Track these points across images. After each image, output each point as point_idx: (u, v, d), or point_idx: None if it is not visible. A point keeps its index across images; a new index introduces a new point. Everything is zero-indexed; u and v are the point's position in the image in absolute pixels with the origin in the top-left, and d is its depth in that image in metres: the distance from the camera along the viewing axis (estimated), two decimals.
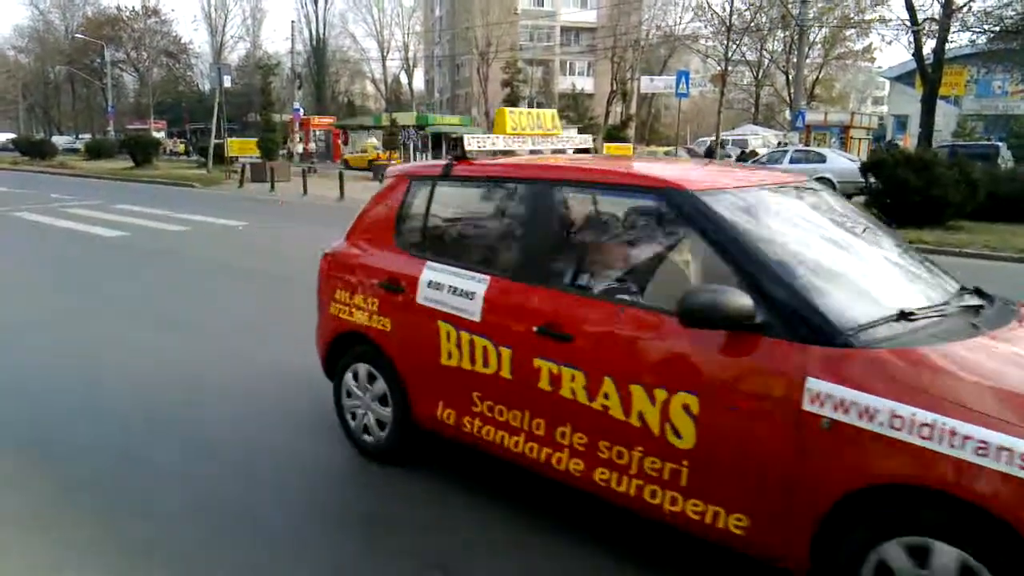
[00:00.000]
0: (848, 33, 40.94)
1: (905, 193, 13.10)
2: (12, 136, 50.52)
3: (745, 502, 2.45)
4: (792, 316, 2.36)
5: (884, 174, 13.78)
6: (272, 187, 21.83)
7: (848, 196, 7.32)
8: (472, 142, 3.60)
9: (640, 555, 2.97)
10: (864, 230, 3.12)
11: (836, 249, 2.93)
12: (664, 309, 2.63)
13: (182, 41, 63.32)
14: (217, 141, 29.69)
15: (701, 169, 3.46)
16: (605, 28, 53.13)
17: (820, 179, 8.23)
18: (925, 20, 20.46)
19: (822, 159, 21.74)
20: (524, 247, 3.19)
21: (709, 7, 36.56)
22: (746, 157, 27.08)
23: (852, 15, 34.49)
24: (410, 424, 3.60)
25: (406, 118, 39.24)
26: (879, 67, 51.61)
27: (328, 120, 47.63)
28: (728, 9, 32.98)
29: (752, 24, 36.11)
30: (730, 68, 36.05)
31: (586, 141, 4.33)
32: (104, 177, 27.30)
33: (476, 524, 3.23)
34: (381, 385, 3.69)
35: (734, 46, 34.03)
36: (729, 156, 30.71)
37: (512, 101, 34.65)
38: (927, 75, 20.69)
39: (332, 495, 3.54)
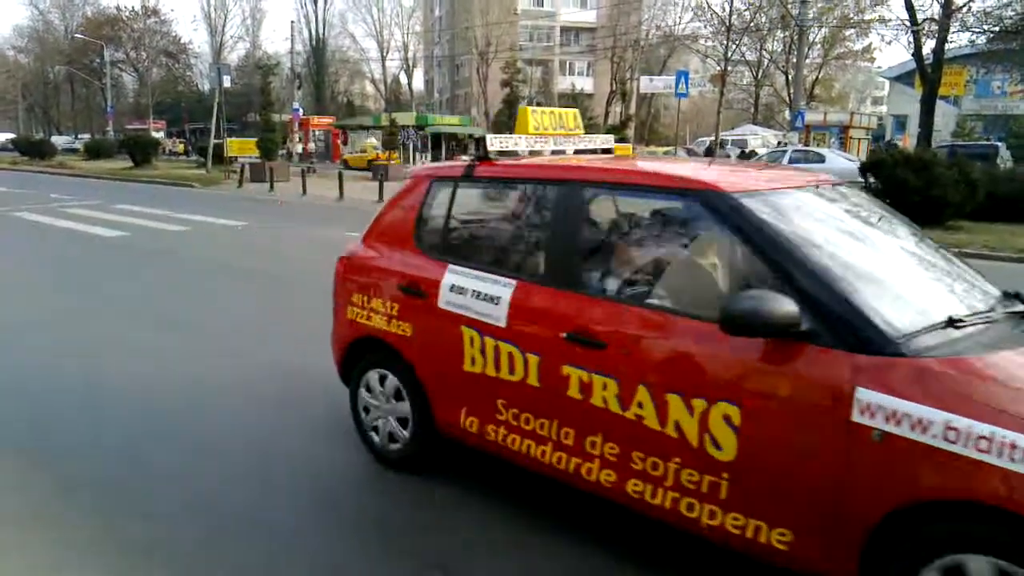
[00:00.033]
0: (848, 33, 40.97)
1: (904, 193, 13.09)
2: (11, 136, 50.49)
3: (788, 516, 2.36)
4: (839, 323, 2.27)
5: (883, 174, 13.79)
6: (271, 187, 21.82)
7: None
8: (495, 142, 3.51)
9: (640, 555, 2.97)
10: (901, 232, 3.04)
11: (877, 252, 2.86)
12: (701, 315, 2.56)
13: (181, 41, 63.47)
14: (216, 141, 29.71)
15: (732, 169, 3.33)
16: (605, 28, 53.15)
17: None
18: (925, 20, 20.46)
19: (821, 159, 21.76)
20: (552, 251, 3.10)
21: (709, 7, 36.58)
22: (747, 157, 27.09)
23: (852, 15, 34.48)
24: (430, 431, 3.51)
25: (406, 118, 39.21)
26: (878, 67, 51.68)
27: (327, 120, 47.62)
28: (728, 9, 33.01)
29: (752, 24, 36.12)
30: (729, 68, 36.05)
31: (608, 141, 4.22)
32: (103, 177, 27.30)
33: (476, 524, 3.23)
34: (400, 392, 3.61)
35: (734, 46, 34.04)
36: (728, 156, 30.70)
37: (511, 101, 34.71)
38: (926, 75, 20.69)
39: (331, 495, 3.53)
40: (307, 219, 15.35)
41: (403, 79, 68.24)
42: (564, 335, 2.84)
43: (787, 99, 35.46)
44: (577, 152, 3.90)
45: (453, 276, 3.31)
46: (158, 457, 3.87)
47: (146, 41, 58.14)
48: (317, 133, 45.84)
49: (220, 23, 60.93)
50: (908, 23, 20.85)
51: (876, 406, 2.14)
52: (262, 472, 3.73)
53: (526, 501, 3.40)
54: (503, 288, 3.11)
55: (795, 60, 27.27)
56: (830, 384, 2.23)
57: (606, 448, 2.80)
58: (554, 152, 3.81)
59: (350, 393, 3.94)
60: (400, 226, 3.71)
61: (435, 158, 38.78)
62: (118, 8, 59.23)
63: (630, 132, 35.08)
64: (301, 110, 42.84)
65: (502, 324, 3.06)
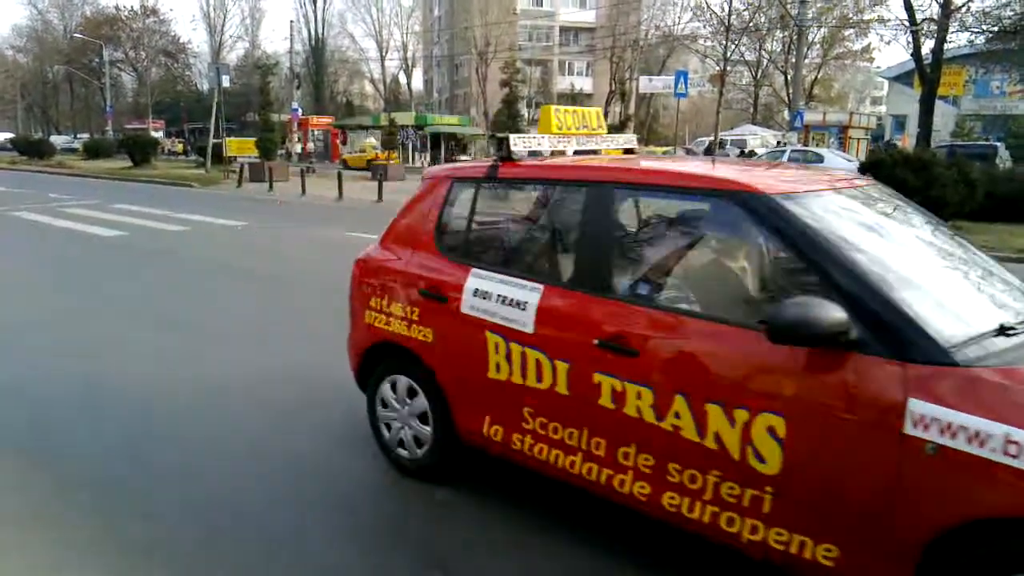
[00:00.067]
0: (847, 33, 41.01)
1: (903, 193, 12.73)
2: (10, 136, 50.46)
3: (836, 532, 2.27)
4: (890, 331, 2.18)
5: (882, 174, 13.76)
6: (270, 187, 21.83)
7: None
8: (517, 142, 3.40)
9: (640, 555, 2.98)
10: (940, 235, 2.97)
11: (921, 256, 2.79)
12: (740, 322, 2.49)
13: (180, 41, 63.46)
14: (215, 141, 29.72)
15: (764, 170, 3.21)
16: (604, 28, 53.15)
17: None
18: (924, 20, 20.46)
19: (820, 159, 21.80)
20: (581, 254, 3.00)
21: (708, 7, 36.55)
22: (746, 157, 27.11)
23: (851, 15, 34.51)
24: (451, 440, 3.42)
25: (405, 118, 39.25)
26: (877, 67, 51.66)
27: (327, 120, 47.63)
28: (727, 9, 33.02)
29: (751, 24, 36.13)
30: (729, 68, 36.05)
31: (631, 141, 4.10)
32: (102, 177, 27.29)
33: (476, 524, 3.23)
34: (420, 399, 3.51)
35: (733, 46, 34.04)
36: (727, 156, 30.72)
37: (511, 101, 34.65)
38: (925, 75, 20.70)
39: (330, 495, 3.53)
40: (306, 219, 15.35)
41: (402, 79, 68.32)
42: (595, 342, 2.75)
43: (786, 99, 35.52)
44: (577, 153, 3.79)
45: (476, 280, 3.21)
46: (158, 457, 3.87)
47: (145, 41, 58.18)
48: (316, 133, 45.84)
49: (219, 23, 60.99)
50: (907, 23, 20.84)
51: (930, 418, 2.06)
52: (262, 472, 3.72)
53: (526, 501, 3.40)
54: (529, 293, 3.01)
55: (794, 60, 27.29)
56: (881, 395, 2.15)
57: (640, 459, 2.70)
58: (575, 152, 3.71)
59: (367, 399, 3.85)
60: (419, 228, 3.60)
61: (434, 158, 38.80)
62: (117, 8, 59.34)
63: (629, 132, 35.05)
64: (300, 110, 42.85)
65: (529, 330, 2.97)
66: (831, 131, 37.56)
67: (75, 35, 56.08)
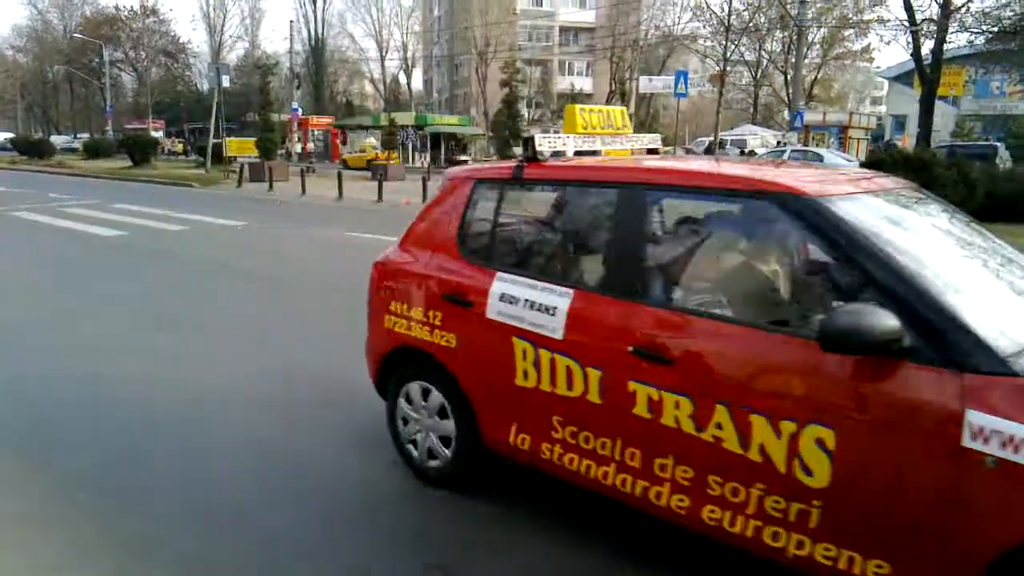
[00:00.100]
0: (846, 33, 41.03)
1: None
2: (10, 136, 50.48)
3: (887, 547, 2.18)
4: (945, 340, 2.09)
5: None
6: (270, 187, 21.83)
7: None
8: (543, 142, 3.29)
9: (640, 555, 2.98)
10: (984, 238, 2.88)
11: (970, 262, 2.72)
12: (784, 329, 2.41)
13: (180, 41, 63.48)
14: (215, 141, 29.73)
15: (804, 171, 3.02)
16: (604, 28, 53.15)
17: None
18: (923, 20, 20.49)
19: (819, 159, 21.77)
20: (613, 258, 2.90)
21: (708, 7, 36.61)
22: (747, 157, 27.11)
23: (850, 15, 34.55)
24: (476, 448, 3.33)
25: (405, 118, 39.25)
26: (877, 67, 51.65)
27: (326, 120, 47.67)
28: (727, 9, 33.05)
29: (751, 24, 36.18)
30: (729, 68, 36.09)
31: (655, 140, 3.99)
32: (102, 176, 27.30)
33: (476, 524, 3.23)
34: (443, 406, 3.42)
35: (733, 46, 34.09)
36: (727, 156, 30.72)
37: (511, 101, 34.63)
38: (925, 75, 20.72)
39: (330, 494, 3.53)
40: (306, 219, 15.35)
41: (402, 79, 68.33)
42: (630, 349, 2.66)
43: (786, 99, 35.54)
44: (577, 153, 3.63)
45: (502, 284, 3.12)
46: (158, 457, 3.87)
47: (145, 41, 58.19)
48: (316, 133, 45.87)
49: (219, 23, 60.96)
50: (907, 23, 20.87)
51: (990, 430, 1.97)
52: (262, 472, 3.73)
53: (526, 501, 3.41)
54: (559, 298, 2.92)
55: (794, 60, 27.30)
56: (937, 405, 2.07)
57: (678, 471, 2.61)
58: (555, 153, 3.62)
59: (387, 406, 3.76)
60: (441, 231, 3.50)
61: (434, 158, 38.80)
62: (117, 8, 59.37)
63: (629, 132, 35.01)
64: (300, 110, 42.89)
65: (558, 336, 2.88)
66: (831, 131, 37.57)
67: (75, 35, 56.09)
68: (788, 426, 2.30)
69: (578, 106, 3.76)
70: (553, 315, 2.91)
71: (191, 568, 2.90)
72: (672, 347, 2.58)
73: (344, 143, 42.68)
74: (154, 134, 45.95)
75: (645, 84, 41.84)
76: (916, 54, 21.06)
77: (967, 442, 2.01)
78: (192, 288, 8.30)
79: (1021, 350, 2.08)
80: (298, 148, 40.59)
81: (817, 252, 2.75)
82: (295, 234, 12.60)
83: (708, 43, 41.39)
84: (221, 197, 20.28)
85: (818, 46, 42.49)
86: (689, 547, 2.93)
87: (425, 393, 3.52)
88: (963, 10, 19.71)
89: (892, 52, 77.00)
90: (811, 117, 34.02)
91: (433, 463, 3.53)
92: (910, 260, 2.29)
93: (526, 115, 40.98)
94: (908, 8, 20.43)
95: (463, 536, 3.14)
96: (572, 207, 3.38)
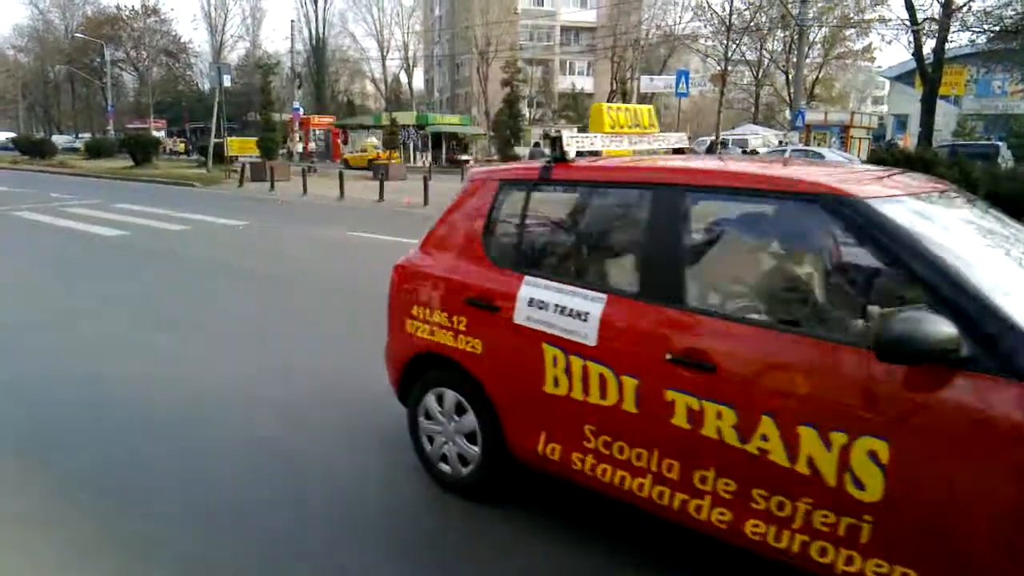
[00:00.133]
0: (848, 33, 41.02)
1: None
2: (12, 135, 50.50)
3: (945, 566, 2.11)
4: (1005, 348, 2.01)
5: None
6: (272, 186, 21.84)
7: None
8: (571, 142, 3.22)
9: (640, 555, 2.98)
10: None
11: (1022, 267, 2.63)
12: (834, 337, 2.32)
13: (182, 40, 63.43)
14: (217, 140, 29.78)
15: (845, 172, 2.90)
16: (605, 28, 53.13)
17: None
18: (925, 20, 20.46)
19: (820, 159, 21.72)
20: (649, 262, 2.80)
21: (709, 7, 36.64)
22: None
23: (852, 15, 34.53)
24: (502, 456, 3.24)
25: (406, 117, 39.26)
26: (879, 67, 51.67)
27: (328, 119, 47.67)
28: (728, 9, 33.04)
29: (752, 24, 36.15)
30: (730, 68, 36.08)
31: (682, 140, 3.92)
32: (104, 176, 27.31)
33: (476, 524, 3.23)
34: (468, 414, 3.34)
35: (734, 46, 34.09)
36: (730, 155, 30.69)
37: (512, 101, 34.68)
38: (927, 75, 20.70)
39: (330, 494, 3.53)
40: (308, 219, 15.36)
41: (403, 78, 68.36)
42: (667, 356, 2.58)
43: (787, 99, 35.48)
44: (579, 154, 3.50)
45: (531, 289, 3.03)
46: (158, 457, 3.87)
47: (146, 40, 58.15)
48: (317, 132, 45.90)
49: (220, 22, 61.03)
50: (908, 23, 20.85)
51: None
52: (262, 472, 3.72)
53: (526, 500, 3.40)
54: (592, 303, 2.83)
55: (795, 60, 27.26)
56: (998, 417, 1.99)
57: (720, 484, 2.52)
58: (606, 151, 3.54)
59: (408, 413, 3.67)
60: (465, 233, 3.41)
61: (435, 157, 38.82)
62: (118, 7, 59.27)
63: None
64: (301, 109, 42.91)
65: (591, 343, 2.80)
66: (832, 131, 37.50)
67: (76, 35, 56.12)
68: (839, 438, 2.22)
69: (605, 104, 3.66)
70: (585, 321, 2.83)
71: (191, 568, 2.90)
72: (714, 355, 2.49)
73: (345, 143, 42.69)
74: (156, 134, 45.87)
75: (646, 84, 41.84)
76: (918, 53, 21.03)
77: None
78: (193, 288, 8.30)
79: None
80: (299, 148, 40.62)
81: (849, 255, 2.71)
82: (296, 234, 12.60)
83: (709, 43, 41.43)
84: (222, 197, 20.29)
85: (819, 45, 42.47)
86: (689, 548, 2.93)
87: (449, 400, 3.43)
88: (965, 9, 19.69)
89: (893, 51, 77.17)
90: (813, 117, 33.97)
91: (456, 472, 3.45)
92: (965, 265, 2.21)
93: (527, 115, 40.97)
94: (909, 7, 20.41)
95: (463, 536, 3.14)
96: (604, 208, 3.29)
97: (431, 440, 3.55)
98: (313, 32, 59.22)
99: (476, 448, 3.33)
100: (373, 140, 36.89)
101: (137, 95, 63.72)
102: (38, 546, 3.03)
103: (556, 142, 3.20)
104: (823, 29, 37.58)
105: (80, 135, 57.29)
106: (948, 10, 19.27)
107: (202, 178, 25.38)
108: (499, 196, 3.35)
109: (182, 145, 51.84)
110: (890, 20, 26.69)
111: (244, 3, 72.98)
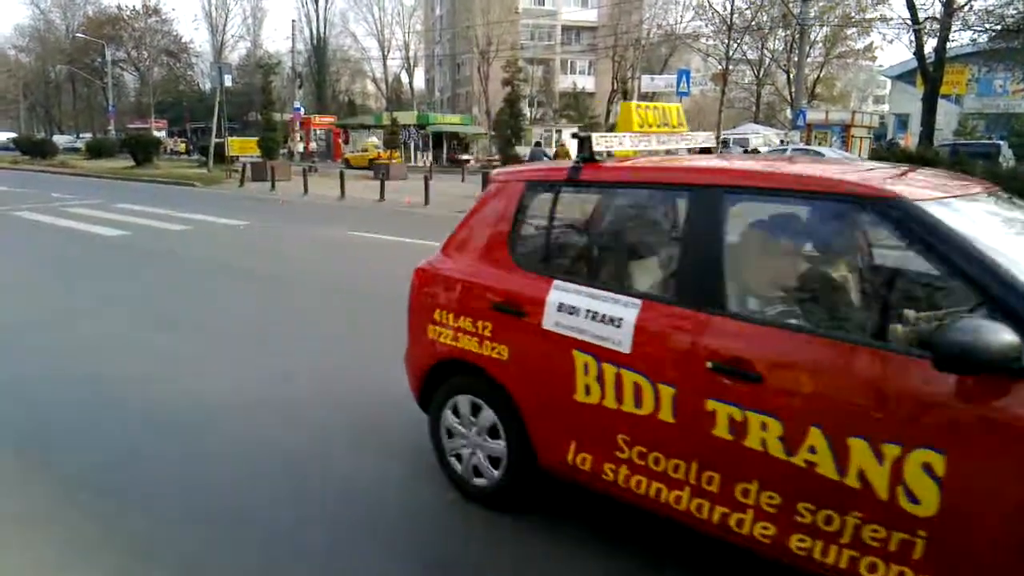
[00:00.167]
0: (849, 32, 40.94)
1: None
2: (13, 135, 50.54)
3: None
4: None
5: None
6: (273, 186, 21.84)
7: None
8: (600, 142, 3.12)
9: (640, 555, 2.97)
10: None
11: None
12: (883, 345, 2.26)
13: (183, 40, 63.48)
14: (218, 140, 29.81)
15: (888, 172, 2.80)
16: (606, 27, 53.08)
17: None
18: (926, 19, 20.47)
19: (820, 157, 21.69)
20: (687, 265, 2.69)
21: (710, 6, 36.66)
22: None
23: (853, 14, 34.48)
24: (529, 466, 3.15)
25: (407, 117, 39.26)
26: (880, 66, 51.60)
27: (329, 119, 47.68)
28: (729, 8, 33.02)
29: (753, 23, 36.15)
30: (731, 67, 36.08)
31: (709, 139, 3.82)
32: (105, 176, 27.32)
33: (476, 524, 3.23)
34: (493, 422, 3.24)
35: (735, 45, 34.07)
36: (732, 154, 30.68)
37: (513, 100, 34.64)
38: (928, 74, 20.69)
39: (330, 495, 3.52)
40: (309, 218, 15.35)
41: (404, 78, 68.32)
42: (708, 365, 2.48)
43: (789, 98, 35.44)
44: (668, 151, 3.48)
45: (560, 293, 2.93)
46: (158, 457, 3.86)
47: (147, 40, 58.19)
48: (318, 132, 45.92)
49: (221, 22, 61.15)
50: (909, 22, 20.85)
51: None
52: (262, 472, 3.72)
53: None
54: (625, 308, 2.73)
55: (796, 59, 27.24)
56: None
57: (763, 498, 2.42)
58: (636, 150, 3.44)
59: (430, 420, 3.56)
60: (489, 236, 3.30)
61: (436, 157, 38.81)
62: (119, 7, 59.30)
63: None
64: (302, 109, 42.89)
65: (625, 350, 2.69)
66: (834, 130, 37.49)
67: (77, 35, 56.20)
68: (892, 450, 2.14)
69: (634, 103, 3.59)
70: (619, 327, 2.73)
71: (192, 568, 2.90)
72: (759, 363, 2.38)
73: (346, 142, 42.73)
74: (156, 134, 45.95)
75: (647, 83, 41.82)
76: (919, 52, 21.02)
77: None
78: (193, 288, 8.30)
79: None
80: (300, 147, 40.63)
81: (883, 258, 2.64)
82: (297, 233, 12.60)
83: (710, 42, 41.43)
84: (223, 197, 20.29)
85: (821, 45, 42.41)
86: (690, 548, 2.92)
87: (474, 408, 3.33)
88: (966, 8, 19.70)
89: (895, 51, 77.09)
90: (814, 116, 33.95)
91: (480, 481, 3.36)
92: (1021, 269, 2.12)
93: (528, 114, 40.93)
94: (911, 6, 20.41)
95: (463, 536, 3.14)
96: (637, 210, 3.21)
97: (453, 447, 3.47)
98: (314, 32, 59.30)
99: (501, 457, 3.25)
100: (374, 140, 36.91)
101: (138, 95, 63.77)
102: (38, 546, 3.03)
103: (585, 142, 3.09)
104: (824, 28, 37.54)
105: (81, 135, 57.39)
106: (949, 9, 19.26)
107: (203, 178, 25.38)
108: (525, 197, 3.24)
109: (183, 145, 51.88)
110: (891, 19, 26.74)
111: (245, 3, 73.33)
